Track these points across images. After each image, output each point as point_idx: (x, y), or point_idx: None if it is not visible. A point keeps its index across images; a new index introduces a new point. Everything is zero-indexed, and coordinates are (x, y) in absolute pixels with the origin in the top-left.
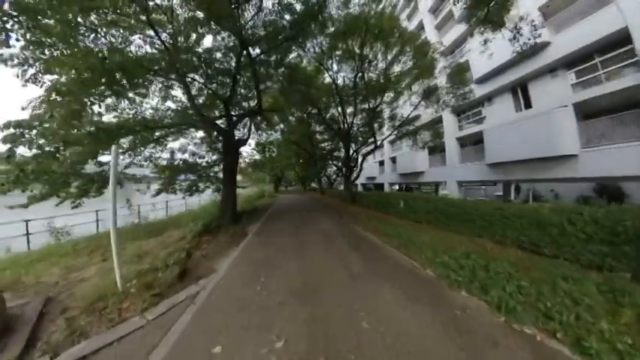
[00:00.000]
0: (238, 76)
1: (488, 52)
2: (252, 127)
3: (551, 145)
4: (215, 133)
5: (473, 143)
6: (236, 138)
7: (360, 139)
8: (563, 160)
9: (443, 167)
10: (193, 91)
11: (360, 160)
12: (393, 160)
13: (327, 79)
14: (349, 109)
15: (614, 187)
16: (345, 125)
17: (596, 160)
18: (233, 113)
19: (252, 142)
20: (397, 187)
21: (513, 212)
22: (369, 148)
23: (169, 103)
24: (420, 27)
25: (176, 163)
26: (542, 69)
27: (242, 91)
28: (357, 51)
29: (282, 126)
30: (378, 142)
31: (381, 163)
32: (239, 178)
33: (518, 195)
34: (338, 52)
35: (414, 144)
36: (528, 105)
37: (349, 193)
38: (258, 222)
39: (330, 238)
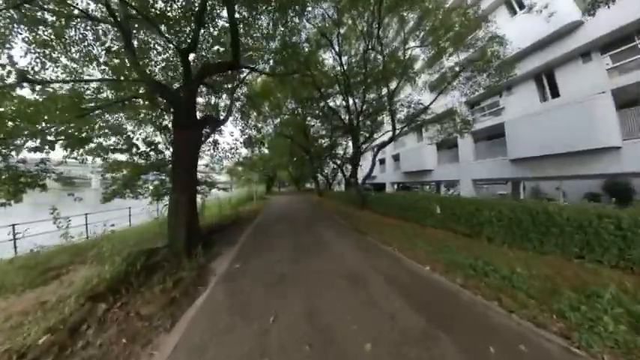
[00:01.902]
0: (206, 17)
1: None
2: (234, 108)
3: (588, 137)
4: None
5: (487, 138)
6: (205, 114)
7: (369, 130)
8: (603, 154)
9: (455, 164)
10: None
11: (371, 153)
12: (396, 157)
13: (329, 61)
14: (352, 101)
15: (624, 183)
16: (353, 114)
17: None
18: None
19: (234, 130)
20: (395, 186)
21: None
22: (378, 142)
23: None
24: None
25: (136, 156)
26: (572, 53)
27: (213, 44)
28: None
29: (274, 120)
30: (397, 131)
31: (382, 161)
32: (222, 178)
33: (524, 193)
34: (346, 20)
35: (440, 133)
36: (554, 94)
37: (358, 196)
38: (233, 247)
39: (368, 293)
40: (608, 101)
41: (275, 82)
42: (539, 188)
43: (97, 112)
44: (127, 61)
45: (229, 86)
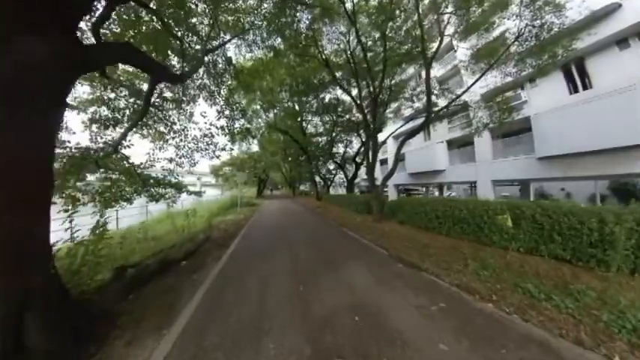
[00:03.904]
0: None
1: None
2: (209, 68)
3: (637, 131)
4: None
5: (507, 134)
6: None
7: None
8: None
9: (470, 164)
10: None
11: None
12: (400, 158)
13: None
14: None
15: (632, 184)
16: (374, 92)
17: None
18: None
19: (211, 111)
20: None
21: None
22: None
23: None
24: None
25: None
26: (607, 40)
27: None
28: None
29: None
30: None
31: (383, 162)
32: (205, 179)
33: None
34: None
35: (468, 124)
36: (585, 86)
37: (375, 202)
38: (163, 335)
39: None
40: None
41: (269, 64)
42: (543, 189)
43: None
44: None
45: (203, 34)
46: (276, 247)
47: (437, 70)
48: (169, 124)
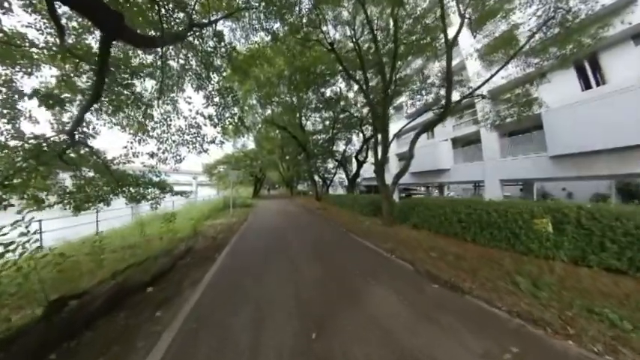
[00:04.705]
0: None
1: None
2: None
3: None
4: None
5: (511, 132)
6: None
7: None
8: None
9: (477, 163)
10: None
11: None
12: (401, 157)
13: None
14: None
15: (635, 184)
16: (386, 80)
17: None
18: None
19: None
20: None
21: None
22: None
23: None
24: None
25: None
26: (623, 34)
27: None
28: None
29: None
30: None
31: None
32: (202, 179)
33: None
34: None
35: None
36: (598, 82)
37: (386, 203)
38: None
39: None
40: None
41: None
42: (544, 189)
43: None
44: None
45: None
46: (274, 262)
47: (437, 65)
48: (143, 106)
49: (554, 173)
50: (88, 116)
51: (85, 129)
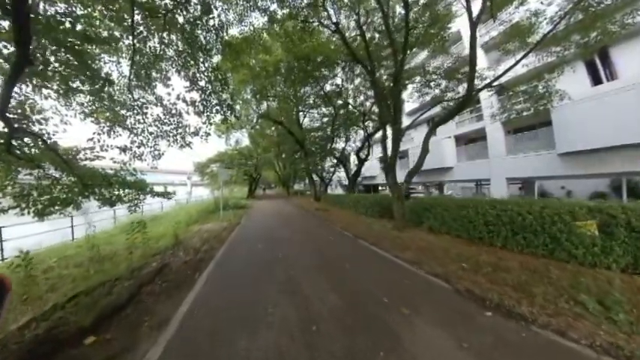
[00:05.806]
0: None
1: None
2: None
3: None
4: None
5: (516, 129)
6: None
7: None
8: None
9: (483, 160)
10: None
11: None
12: (402, 155)
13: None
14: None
15: (634, 181)
16: (396, 67)
17: None
18: None
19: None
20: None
21: None
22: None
23: None
24: None
25: None
26: (636, 27)
27: None
28: None
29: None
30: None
31: (382, 160)
32: (197, 179)
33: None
34: None
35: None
36: (608, 77)
37: (398, 204)
38: None
39: None
40: None
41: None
42: (543, 187)
43: None
44: None
45: None
46: (271, 284)
47: (439, 60)
48: (102, 83)
49: (564, 171)
50: (25, 92)
51: (26, 112)
